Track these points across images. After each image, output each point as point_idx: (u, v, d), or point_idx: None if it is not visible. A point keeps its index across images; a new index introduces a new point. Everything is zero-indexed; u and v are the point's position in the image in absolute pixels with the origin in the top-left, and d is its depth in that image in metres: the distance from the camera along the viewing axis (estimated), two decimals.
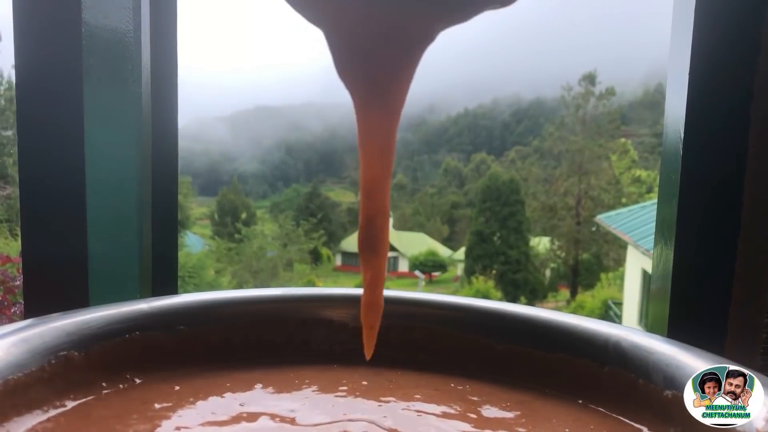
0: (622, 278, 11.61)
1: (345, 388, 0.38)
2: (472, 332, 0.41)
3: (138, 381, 0.36)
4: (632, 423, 0.34)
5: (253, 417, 0.33)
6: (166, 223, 0.73)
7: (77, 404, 0.33)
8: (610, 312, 11.71)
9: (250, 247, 15.22)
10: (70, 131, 0.62)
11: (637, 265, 8.30)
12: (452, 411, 0.35)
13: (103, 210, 0.65)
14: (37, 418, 0.31)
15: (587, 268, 16.51)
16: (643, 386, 0.34)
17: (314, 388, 0.38)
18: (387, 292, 0.44)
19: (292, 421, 0.33)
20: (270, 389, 0.37)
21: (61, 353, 0.33)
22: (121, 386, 0.35)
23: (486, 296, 13.25)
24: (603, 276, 14.98)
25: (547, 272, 17.34)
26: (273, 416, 0.33)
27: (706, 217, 0.59)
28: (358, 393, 0.37)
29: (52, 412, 0.32)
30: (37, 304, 0.65)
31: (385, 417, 0.34)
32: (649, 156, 19.03)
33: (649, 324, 0.65)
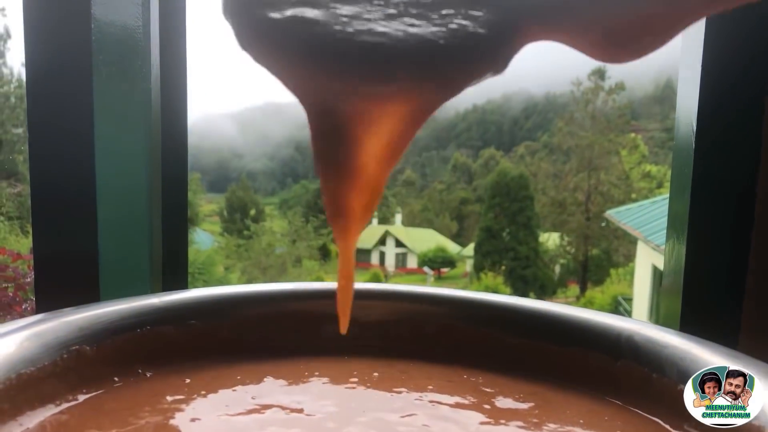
0: (632, 274, 11.57)
1: (356, 379, 0.38)
2: (484, 327, 0.41)
3: (149, 374, 0.36)
4: (647, 415, 0.34)
5: (264, 409, 0.33)
6: (176, 219, 0.73)
7: (89, 397, 0.33)
8: (620, 308, 11.67)
9: (259, 244, 15.26)
10: (79, 127, 0.62)
11: (647, 260, 8.27)
12: (466, 401, 0.35)
13: (113, 206, 0.65)
14: (49, 411, 0.31)
15: (597, 263, 16.47)
16: (656, 380, 0.34)
17: (325, 380, 0.38)
18: (398, 287, 0.44)
19: (302, 412, 0.33)
20: (280, 381, 0.37)
21: (74, 348, 0.33)
22: (132, 380, 0.35)
23: (495, 292, 13.23)
24: (613, 272, 14.95)
25: (557, 268, 17.31)
26: (284, 408, 0.33)
27: (719, 210, 0.59)
28: (369, 384, 0.37)
29: (65, 406, 0.32)
30: (48, 301, 0.65)
31: (397, 407, 0.34)
32: (660, 151, 18.94)
33: (661, 319, 0.65)
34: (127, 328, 0.36)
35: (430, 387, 0.37)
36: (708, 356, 0.32)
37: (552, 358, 0.39)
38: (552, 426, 0.33)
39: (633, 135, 17.81)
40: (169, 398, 0.33)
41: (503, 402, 0.36)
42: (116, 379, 0.35)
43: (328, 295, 0.44)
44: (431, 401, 0.35)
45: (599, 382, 0.36)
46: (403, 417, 0.33)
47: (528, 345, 0.40)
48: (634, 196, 15.82)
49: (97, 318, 0.35)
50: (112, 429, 0.29)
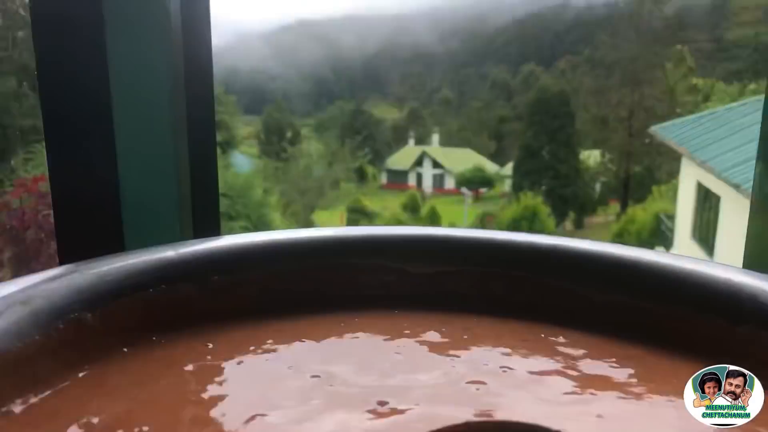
0: (674, 191, 11.29)
1: (408, 339, 0.31)
2: (564, 280, 0.34)
3: (163, 341, 0.30)
4: None
5: (300, 375, 0.27)
6: (204, 148, 0.67)
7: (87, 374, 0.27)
8: (662, 226, 11.49)
9: (297, 167, 15.32)
10: (90, 41, 0.56)
11: (692, 177, 8.04)
12: (546, 367, 0.29)
13: (133, 137, 0.59)
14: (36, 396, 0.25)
15: (639, 181, 16.16)
16: None
17: (368, 334, 0.32)
18: (456, 232, 0.37)
19: (340, 383, 0.27)
20: (318, 341, 0.31)
21: (72, 315, 0.28)
22: (143, 347, 0.30)
23: (534, 212, 13.12)
24: (654, 189, 14.64)
25: (597, 186, 17.06)
26: (323, 372, 0.27)
27: None
28: (425, 346, 0.31)
29: (60, 385, 0.26)
30: (72, 249, 0.60)
31: (459, 375, 0.28)
32: (707, 63, 18.11)
33: (748, 255, 0.57)
34: (136, 288, 0.30)
35: (500, 349, 0.31)
36: None
37: (650, 318, 0.31)
38: (658, 398, 0.26)
39: (680, 47, 17.04)
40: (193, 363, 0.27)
41: (592, 367, 0.29)
42: (125, 350, 0.29)
43: (372, 242, 0.37)
44: (502, 367, 0.29)
45: (715, 350, 0.29)
46: (467, 384, 0.27)
47: (619, 302, 0.33)
48: (679, 110, 15.29)
49: (101, 277, 0.29)
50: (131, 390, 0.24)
